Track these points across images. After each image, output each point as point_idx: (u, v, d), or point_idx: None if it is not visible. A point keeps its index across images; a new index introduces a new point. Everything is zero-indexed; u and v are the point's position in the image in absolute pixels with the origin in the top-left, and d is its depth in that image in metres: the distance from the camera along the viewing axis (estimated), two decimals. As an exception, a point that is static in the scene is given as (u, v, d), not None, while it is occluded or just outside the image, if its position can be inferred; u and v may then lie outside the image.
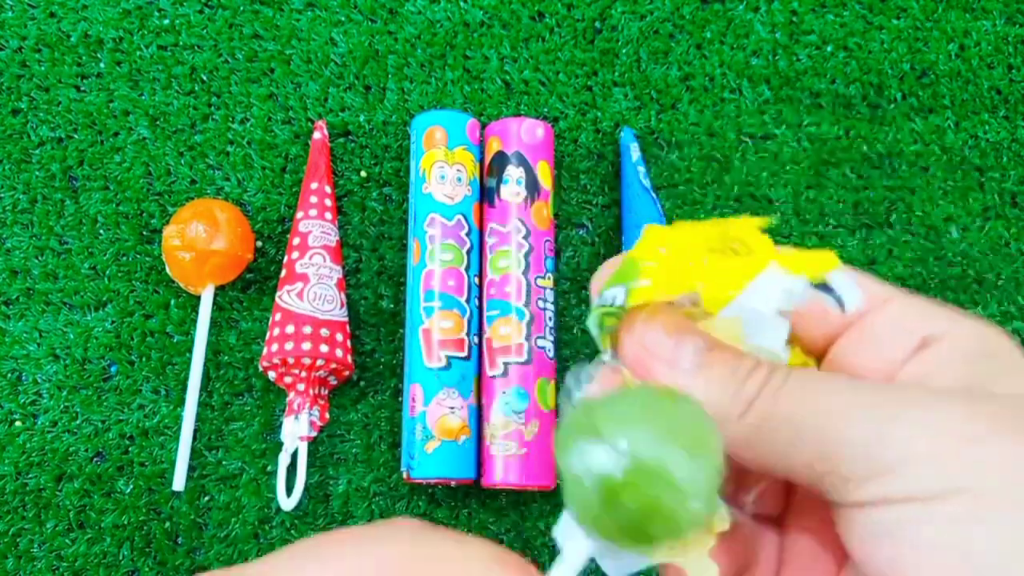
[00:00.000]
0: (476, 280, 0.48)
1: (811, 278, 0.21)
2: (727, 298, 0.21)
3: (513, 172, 0.49)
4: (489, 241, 0.49)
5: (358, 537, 0.20)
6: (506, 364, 0.47)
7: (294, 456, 0.47)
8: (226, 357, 0.49)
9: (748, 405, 0.20)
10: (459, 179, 0.49)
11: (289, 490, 0.47)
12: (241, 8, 0.54)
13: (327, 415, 0.49)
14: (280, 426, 0.48)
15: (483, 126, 0.51)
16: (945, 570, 0.17)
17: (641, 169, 0.51)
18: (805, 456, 0.20)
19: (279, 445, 0.48)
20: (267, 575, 0.19)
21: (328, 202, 0.50)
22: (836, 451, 0.19)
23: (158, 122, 0.53)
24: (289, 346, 0.46)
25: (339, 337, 0.47)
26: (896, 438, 0.18)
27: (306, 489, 0.47)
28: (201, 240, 0.47)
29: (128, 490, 0.47)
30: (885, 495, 0.18)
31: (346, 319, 0.48)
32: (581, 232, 0.52)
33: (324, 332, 0.46)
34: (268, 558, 0.20)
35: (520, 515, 0.48)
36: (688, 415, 0.19)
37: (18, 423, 0.48)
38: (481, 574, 0.19)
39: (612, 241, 0.53)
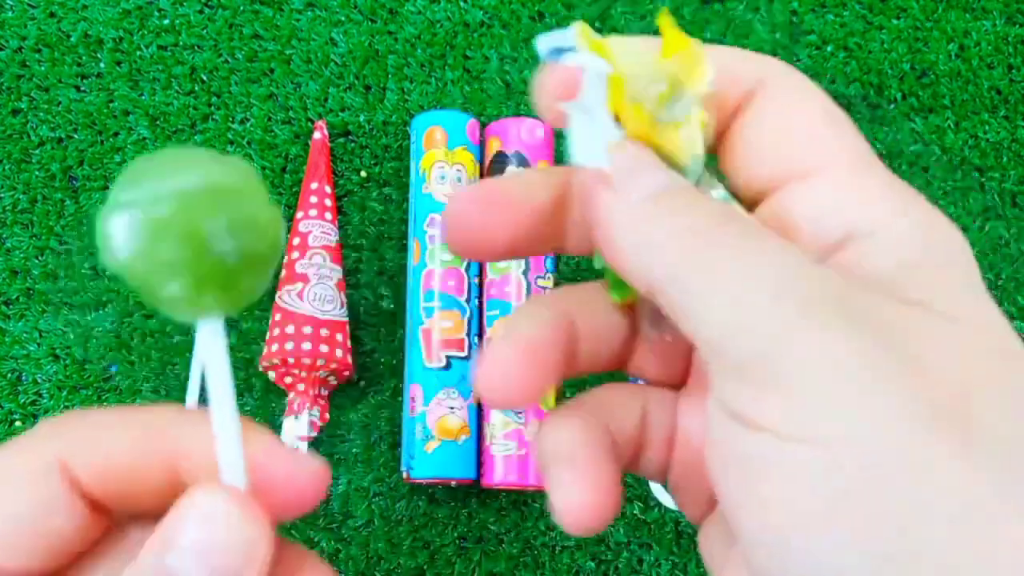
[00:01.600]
0: (476, 280, 0.48)
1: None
2: None
3: (513, 172, 0.49)
4: (489, 241, 0.49)
5: None
6: (506, 364, 0.47)
7: (294, 456, 0.47)
8: (226, 357, 0.49)
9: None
10: (459, 179, 0.49)
11: (289, 490, 0.47)
12: (241, 8, 0.54)
13: (327, 415, 0.49)
14: (280, 426, 0.48)
15: (483, 126, 0.51)
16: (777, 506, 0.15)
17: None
18: (648, 287, 0.17)
19: (279, 445, 0.48)
20: None
21: (328, 202, 0.50)
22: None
23: (158, 122, 0.53)
24: (289, 346, 0.46)
25: (339, 337, 0.47)
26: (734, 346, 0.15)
27: (306, 489, 0.47)
28: (201, 240, 0.47)
29: (128, 490, 0.47)
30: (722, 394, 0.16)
31: (346, 319, 0.48)
32: (581, 232, 0.52)
33: (324, 332, 0.46)
34: None
35: (520, 515, 0.48)
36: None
37: (18, 423, 0.48)
38: None
39: (612, 241, 0.53)
